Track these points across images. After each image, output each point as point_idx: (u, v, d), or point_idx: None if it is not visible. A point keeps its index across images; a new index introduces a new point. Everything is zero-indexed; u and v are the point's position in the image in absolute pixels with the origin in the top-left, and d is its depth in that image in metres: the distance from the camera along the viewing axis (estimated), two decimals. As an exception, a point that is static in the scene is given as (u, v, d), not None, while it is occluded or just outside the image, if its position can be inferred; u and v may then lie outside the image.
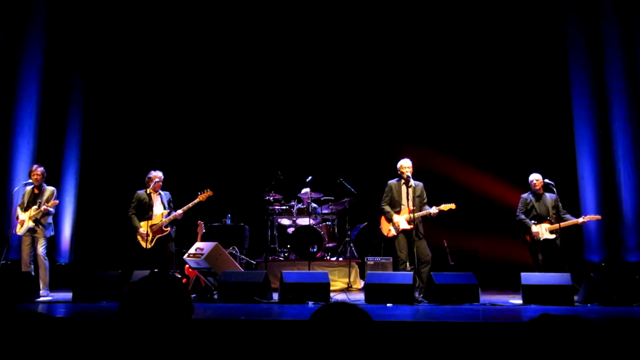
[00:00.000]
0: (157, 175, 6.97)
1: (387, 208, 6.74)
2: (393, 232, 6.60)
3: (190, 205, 6.87)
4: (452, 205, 6.51)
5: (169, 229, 6.88)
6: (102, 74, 10.23)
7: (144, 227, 6.79)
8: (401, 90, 10.11)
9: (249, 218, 9.11)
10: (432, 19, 9.94)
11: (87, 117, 10.03)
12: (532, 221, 6.85)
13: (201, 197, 6.91)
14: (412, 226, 6.45)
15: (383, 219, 6.77)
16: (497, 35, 9.65)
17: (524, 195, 7.07)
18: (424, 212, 6.56)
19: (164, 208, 6.94)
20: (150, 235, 6.79)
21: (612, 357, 1.35)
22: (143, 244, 6.74)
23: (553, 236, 6.73)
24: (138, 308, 1.56)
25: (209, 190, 6.96)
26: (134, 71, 10.31)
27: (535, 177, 6.99)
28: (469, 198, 8.44)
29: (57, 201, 7.01)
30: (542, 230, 6.75)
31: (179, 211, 6.85)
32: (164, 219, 6.82)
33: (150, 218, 6.81)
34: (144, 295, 1.58)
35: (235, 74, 10.41)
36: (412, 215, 6.46)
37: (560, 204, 6.88)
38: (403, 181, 6.75)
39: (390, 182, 6.87)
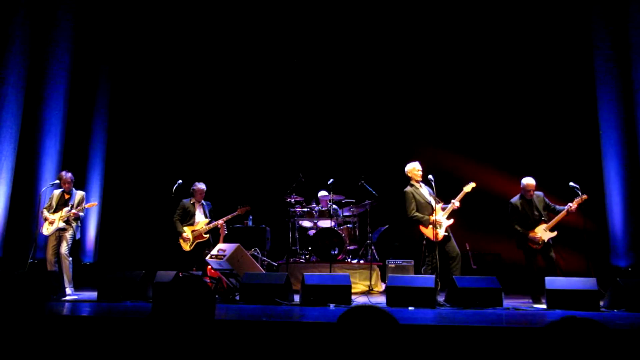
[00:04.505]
0: (200, 187, 7.71)
1: (419, 214, 6.52)
2: (442, 233, 6.41)
3: (229, 216, 7.57)
4: (473, 184, 6.53)
5: (208, 235, 7.55)
6: (127, 76, 10.41)
7: (187, 231, 7.50)
8: (423, 92, 10.06)
9: (271, 220, 9.17)
10: (453, 19, 9.87)
11: (112, 118, 10.23)
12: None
13: (240, 211, 7.60)
14: (452, 220, 6.49)
15: (422, 227, 6.47)
16: (520, 33, 9.51)
17: (513, 200, 6.81)
18: (451, 206, 6.46)
19: (205, 217, 7.64)
20: (191, 238, 7.47)
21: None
22: (184, 246, 7.50)
23: (554, 233, 6.51)
24: (169, 308, 1.58)
25: (248, 206, 7.67)
26: (158, 74, 10.46)
27: (527, 181, 6.70)
28: (491, 201, 8.34)
29: (96, 202, 8.05)
30: (542, 233, 6.53)
31: (220, 221, 7.53)
32: (205, 227, 7.49)
33: (192, 224, 7.57)
34: (175, 296, 1.60)
35: (258, 76, 10.49)
36: (443, 209, 6.47)
37: (547, 200, 6.70)
38: (418, 184, 6.70)
39: (407, 189, 6.69)
